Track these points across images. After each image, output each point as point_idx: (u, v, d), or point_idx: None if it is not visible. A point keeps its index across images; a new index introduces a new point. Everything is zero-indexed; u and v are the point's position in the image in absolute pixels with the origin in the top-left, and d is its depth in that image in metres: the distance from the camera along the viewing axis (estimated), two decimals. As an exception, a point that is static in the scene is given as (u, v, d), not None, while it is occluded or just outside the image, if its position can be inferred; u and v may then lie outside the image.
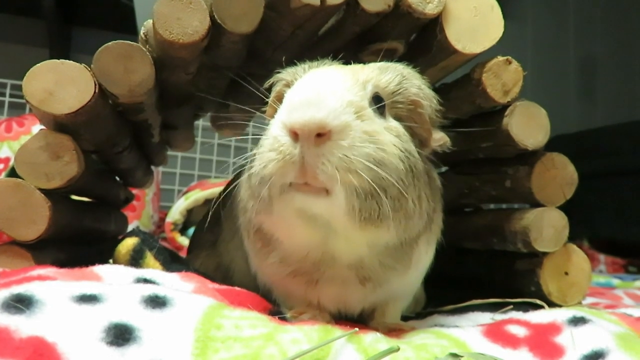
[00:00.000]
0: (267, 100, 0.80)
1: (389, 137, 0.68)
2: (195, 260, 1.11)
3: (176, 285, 0.73)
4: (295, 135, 0.62)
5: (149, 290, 0.61)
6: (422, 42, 0.96)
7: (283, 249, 0.74)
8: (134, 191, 1.54)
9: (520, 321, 0.75)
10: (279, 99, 0.75)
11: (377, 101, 0.71)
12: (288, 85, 0.76)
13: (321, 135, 0.62)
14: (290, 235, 0.72)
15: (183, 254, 1.53)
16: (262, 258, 0.79)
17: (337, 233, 0.68)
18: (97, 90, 0.80)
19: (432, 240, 0.83)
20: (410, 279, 0.82)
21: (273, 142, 0.65)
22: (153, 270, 0.80)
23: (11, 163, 0.74)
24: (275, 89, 0.80)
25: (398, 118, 0.74)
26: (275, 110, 0.71)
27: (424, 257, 0.82)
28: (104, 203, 1.24)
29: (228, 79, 1.11)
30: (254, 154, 0.69)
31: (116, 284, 0.65)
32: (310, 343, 0.57)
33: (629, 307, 1.18)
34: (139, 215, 2.44)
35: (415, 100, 0.75)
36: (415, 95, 0.75)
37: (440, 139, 0.78)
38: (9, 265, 0.80)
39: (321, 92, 0.64)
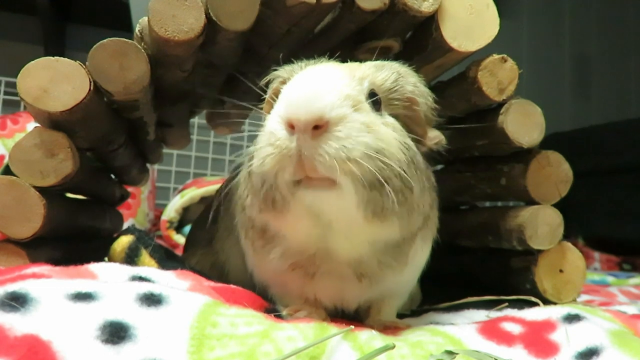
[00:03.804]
0: (263, 97, 0.80)
1: (386, 129, 0.68)
2: (191, 258, 1.11)
3: (172, 283, 0.73)
4: (291, 128, 0.62)
5: (144, 288, 0.61)
6: (417, 40, 0.96)
7: (286, 243, 0.74)
8: (130, 189, 1.54)
9: (515, 318, 0.75)
10: (276, 95, 0.75)
11: (373, 98, 0.71)
12: (285, 82, 0.76)
13: (318, 127, 0.61)
14: (296, 232, 0.71)
15: (179, 252, 1.53)
16: (262, 255, 0.79)
17: (336, 230, 0.68)
18: (92, 88, 0.79)
19: (428, 238, 0.83)
20: (407, 276, 0.82)
21: (269, 136, 0.65)
22: (148, 268, 0.79)
23: (5, 161, 0.74)
24: (272, 86, 0.80)
25: (394, 116, 0.74)
26: (272, 107, 0.71)
27: (420, 254, 0.82)
28: (99, 201, 1.24)
29: (224, 76, 1.11)
30: (253, 151, 0.69)
31: (111, 281, 0.65)
32: (305, 340, 0.57)
33: (623, 304, 1.19)
34: (135, 213, 2.43)
35: (411, 97, 0.75)
36: (411, 92, 0.75)
37: (435, 137, 0.78)
38: (4, 263, 0.80)
39: (318, 86, 0.64)
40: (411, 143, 0.72)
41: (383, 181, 0.63)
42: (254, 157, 0.68)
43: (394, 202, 0.65)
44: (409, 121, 0.75)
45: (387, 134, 0.67)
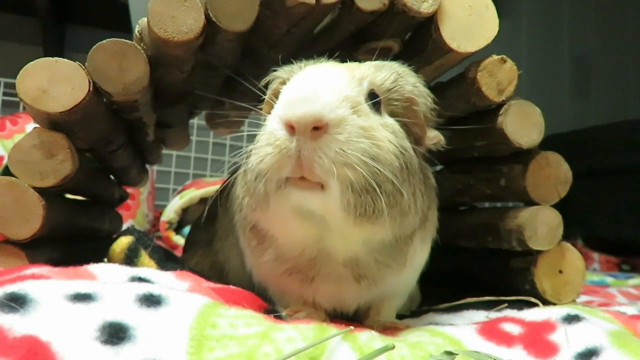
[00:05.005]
0: (263, 97, 0.80)
1: (384, 132, 0.68)
2: (190, 259, 1.11)
3: (171, 284, 0.73)
4: (291, 129, 0.62)
5: (143, 289, 0.61)
6: (417, 41, 0.96)
7: (278, 246, 0.74)
8: (129, 190, 1.53)
9: (514, 319, 0.75)
10: (276, 96, 0.75)
11: (373, 98, 0.72)
12: (284, 82, 0.76)
13: (317, 128, 0.62)
14: (285, 232, 0.72)
15: (178, 253, 1.53)
16: (257, 256, 0.79)
17: (332, 229, 0.68)
18: (91, 89, 0.79)
19: (427, 238, 0.83)
20: (406, 277, 0.82)
21: (269, 136, 0.65)
22: (148, 269, 0.79)
23: (5, 161, 0.74)
24: (272, 87, 0.80)
25: (393, 115, 0.74)
26: (272, 107, 0.71)
27: (419, 255, 0.82)
28: (99, 202, 1.24)
29: (223, 77, 1.11)
30: (250, 150, 0.70)
31: (111, 282, 0.65)
32: (305, 341, 0.57)
33: (622, 305, 1.19)
34: (134, 214, 2.43)
35: (411, 97, 0.75)
36: (410, 92, 0.75)
37: (434, 137, 0.78)
38: (3, 264, 0.80)
39: (318, 87, 0.64)
40: (408, 146, 0.72)
41: (374, 186, 0.64)
42: (252, 155, 0.68)
43: (383, 206, 0.65)
44: (408, 121, 0.75)
45: (383, 139, 0.67)
